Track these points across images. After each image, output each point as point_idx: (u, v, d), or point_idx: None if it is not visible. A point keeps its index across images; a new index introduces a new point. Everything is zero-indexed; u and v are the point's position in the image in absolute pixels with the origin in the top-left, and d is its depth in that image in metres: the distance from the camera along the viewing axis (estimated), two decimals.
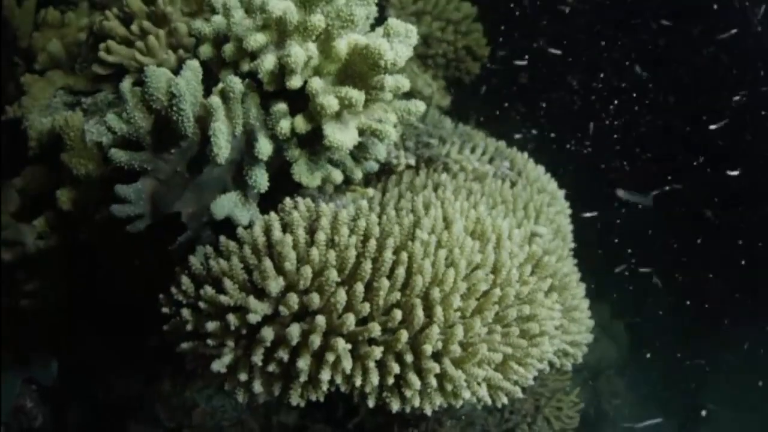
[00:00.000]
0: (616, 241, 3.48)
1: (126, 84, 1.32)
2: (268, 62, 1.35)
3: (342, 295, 1.25)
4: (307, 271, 1.25)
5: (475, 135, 2.09)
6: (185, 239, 1.43)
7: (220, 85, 1.36)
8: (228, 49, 1.39)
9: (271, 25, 1.36)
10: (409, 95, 2.41)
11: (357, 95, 1.31)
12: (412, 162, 1.74)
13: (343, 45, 1.36)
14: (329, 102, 1.29)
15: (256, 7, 1.36)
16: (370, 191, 1.61)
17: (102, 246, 1.55)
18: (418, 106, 1.46)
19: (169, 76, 1.35)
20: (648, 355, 3.86)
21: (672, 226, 3.51)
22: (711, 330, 3.95)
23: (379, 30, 1.46)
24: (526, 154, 2.09)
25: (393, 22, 1.41)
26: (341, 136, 1.32)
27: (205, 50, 1.44)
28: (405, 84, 1.41)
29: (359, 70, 1.38)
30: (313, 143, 1.41)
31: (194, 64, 1.35)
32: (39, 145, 1.59)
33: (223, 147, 1.30)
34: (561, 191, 2.04)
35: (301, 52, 1.31)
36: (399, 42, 1.42)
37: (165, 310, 1.39)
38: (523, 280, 1.49)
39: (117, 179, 1.41)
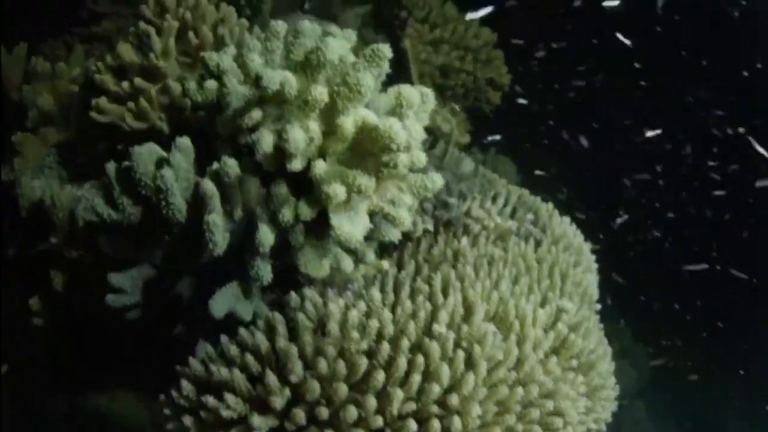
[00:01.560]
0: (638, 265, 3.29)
1: (111, 168, 1.16)
2: (265, 143, 1.17)
3: (353, 412, 1.08)
4: (315, 387, 1.08)
5: (497, 182, 1.90)
6: (185, 330, 1.27)
7: (215, 166, 1.19)
8: (222, 120, 1.22)
9: (268, 97, 1.18)
10: (426, 131, 2.24)
11: (366, 182, 1.12)
12: (430, 227, 1.55)
13: (349, 124, 1.18)
14: (335, 191, 1.11)
15: (251, 78, 1.18)
16: (384, 264, 1.43)
17: (98, 328, 1.40)
18: (436, 181, 1.27)
19: (159, 155, 1.19)
20: (669, 380, 3.67)
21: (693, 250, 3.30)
22: (733, 354, 3.74)
23: (391, 94, 1.27)
24: (551, 205, 1.90)
25: (406, 90, 1.22)
26: (350, 228, 1.14)
27: (199, 117, 1.27)
28: (421, 159, 1.23)
29: (369, 149, 1.20)
30: (320, 228, 1.24)
31: (185, 143, 1.18)
32: (31, 216, 1.44)
33: (219, 241, 1.13)
34: (587, 245, 1.85)
35: (300, 135, 1.13)
36: (413, 115, 1.23)
37: (166, 412, 1.24)
38: (547, 370, 1.32)
39: (110, 263, 1.26)
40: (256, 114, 1.18)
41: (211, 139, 1.29)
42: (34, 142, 1.54)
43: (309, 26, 1.27)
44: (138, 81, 1.42)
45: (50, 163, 1.56)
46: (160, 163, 1.19)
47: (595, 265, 1.87)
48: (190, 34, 1.49)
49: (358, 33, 2.38)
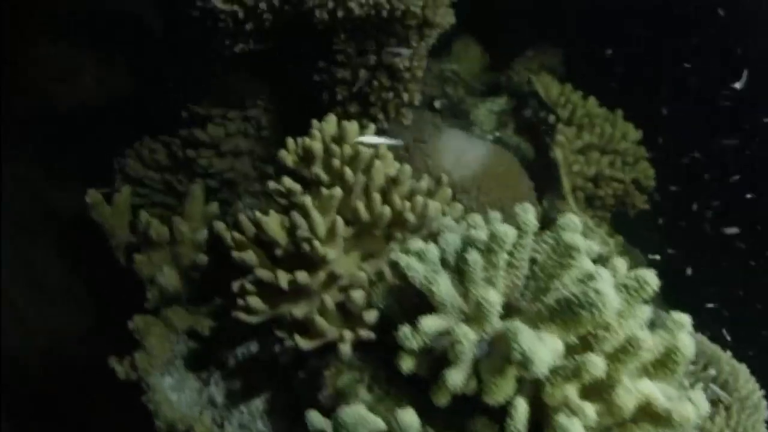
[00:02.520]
0: None
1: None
2: (519, 415, 0.84)
3: None
4: None
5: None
6: None
7: None
8: (453, 378, 0.88)
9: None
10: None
11: None
12: None
13: (629, 401, 0.84)
14: None
15: (501, 343, 0.85)
16: None
17: None
18: None
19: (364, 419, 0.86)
20: None
21: None
22: None
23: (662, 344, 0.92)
24: (728, 354, 1.56)
25: (682, 341, 0.88)
26: None
27: (407, 363, 0.94)
28: None
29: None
30: None
31: (409, 419, 0.84)
32: None
33: None
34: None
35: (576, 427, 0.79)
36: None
37: None
38: None
39: None
40: (508, 386, 0.84)
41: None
42: (159, 330, 1.24)
43: (570, 239, 0.91)
44: (301, 277, 1.09)
45: (180, 351, 1.25)
46: None
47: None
48: (360, 206, 1.15)
49: (495, 137, 2.07)
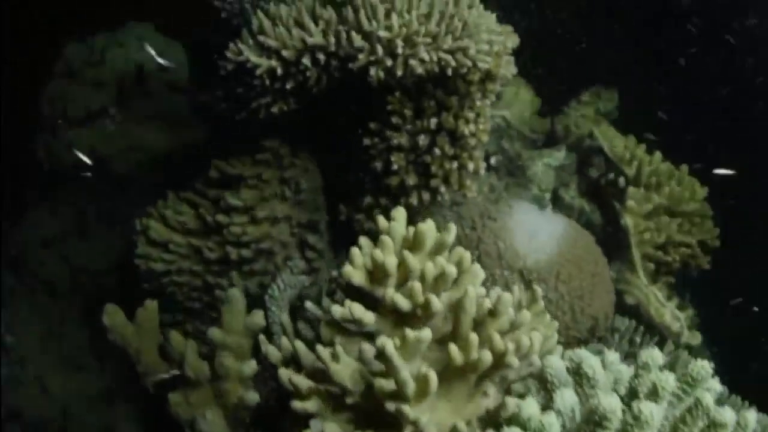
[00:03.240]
0: None
1: None
2: None
3: None
4: None
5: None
6: None
7: None
8: None
9: None
10: (651, 329, 1.64)
11: None
12: None
13: None
14: None
15: None
16: None
17: None
18: None
19: None
20: None
21: None
22: None
23: None
24: None
25: None
26: None
27: None
28: None
29: None
30: None
31: None
32: None
33: None
34: None
35: None
36: None
37: None
38: None
39: None
40: None
41: None
42: None
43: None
44: None
45: None
46: None
47: None
48: (453, 351, 0.88)
49: (553, 194, 1.79)
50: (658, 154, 1.79)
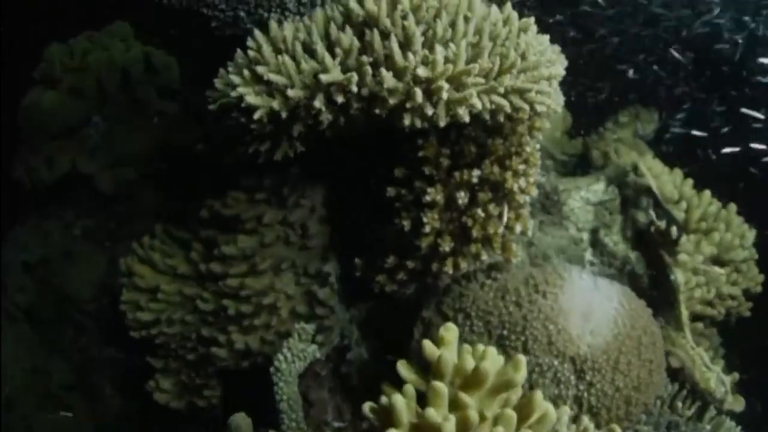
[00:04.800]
0: None
1: None
2: None
3: None
4: None
5: None
6: None
7: None
8: None
9: None
10: (695, 394, 1.32)
11: None
12: None
13: None
14: None
15: None
16: None
17: None
18: None
19: None
20: None
21: None
22: None
23: None
24: None
25: None
26: None
27: None
28: None
29: None
30: None
31: None
32: None
33: None
34: None
35: None
36: None
37: None
38: None
39: None
40: None
41: None
42: None
43: None
44: None
45: None
46: None
47: None
48: None
49: (592, 234, 1.42)
50: (707, 194, 1.43)
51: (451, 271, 1.02)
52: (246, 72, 0.89)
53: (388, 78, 0.83)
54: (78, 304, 1.65)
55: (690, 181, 1.47)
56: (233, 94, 0.88)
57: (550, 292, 1.02)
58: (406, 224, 1.03)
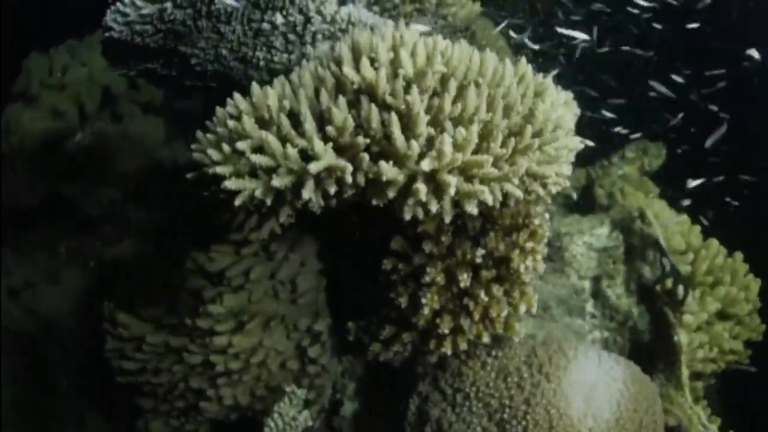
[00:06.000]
0: None
1: None
2: None
3: None
4: None
5: None
6: None
7: None
8: None
9: None
10: None
11: None
12: None
13: None
14: None
15: None
16: None
17: None
18: None
19: None
20: None
21: None
22: None
23: None
24: None
25: None
26: None
27: None
28: None
29: None
30: None
31: None
32: None
33: None
34: None
35: None
36: None
37: None
38: None
39: None
40: None
41: None
42: None
43: None
44: None
45: None
46: None
47: None
48: None
49: (594, 283, 1.29)
50: (714, 244, 1.30)
51: (449, 352, 0.90)
52: (225, 146, 0.74)
53: (387, 169, 0.68)
54: (67, 330, 1.54)
55: (698, 230, 1.35)
56: (211, 171, 0.74)
57: (554, 375, 0.91)
58: (403, 301, 0.91)
